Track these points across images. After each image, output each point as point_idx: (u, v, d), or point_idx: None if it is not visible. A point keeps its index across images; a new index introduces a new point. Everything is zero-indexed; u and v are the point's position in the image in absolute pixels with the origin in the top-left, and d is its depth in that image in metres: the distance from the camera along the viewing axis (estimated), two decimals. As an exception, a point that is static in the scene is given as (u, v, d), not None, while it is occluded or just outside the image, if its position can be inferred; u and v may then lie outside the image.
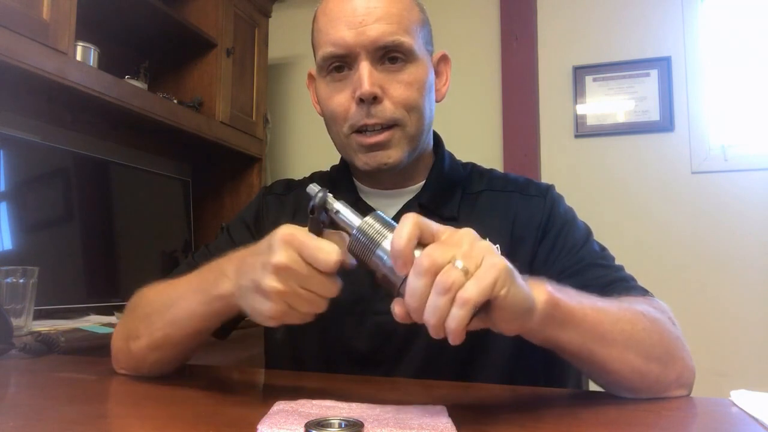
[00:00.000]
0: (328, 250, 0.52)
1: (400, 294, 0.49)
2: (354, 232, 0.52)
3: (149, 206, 2.23)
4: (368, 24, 0.76)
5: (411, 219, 0.49)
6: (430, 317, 0.46)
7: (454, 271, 0.46)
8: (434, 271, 0.47)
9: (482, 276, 0.46)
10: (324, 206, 0.54)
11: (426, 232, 0.49)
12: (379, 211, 0.53)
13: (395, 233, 0.49)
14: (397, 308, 0.50)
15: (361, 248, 0.51)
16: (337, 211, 0.54)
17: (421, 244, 0.49)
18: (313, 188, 0.55)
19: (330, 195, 0.55)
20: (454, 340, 0.47)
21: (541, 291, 0.54)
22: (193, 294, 0.66)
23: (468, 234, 0.50)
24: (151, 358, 0.72)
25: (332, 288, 0.53)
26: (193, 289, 0.67)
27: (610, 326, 0.61)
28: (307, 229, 0.54)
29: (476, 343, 0.72)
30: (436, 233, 0.50)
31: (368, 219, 0.52)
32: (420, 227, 0.49)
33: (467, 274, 0.46)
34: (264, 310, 0.54)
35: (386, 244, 0.50)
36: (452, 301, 0.46)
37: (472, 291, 0.46)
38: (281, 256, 0.52)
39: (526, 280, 0.55)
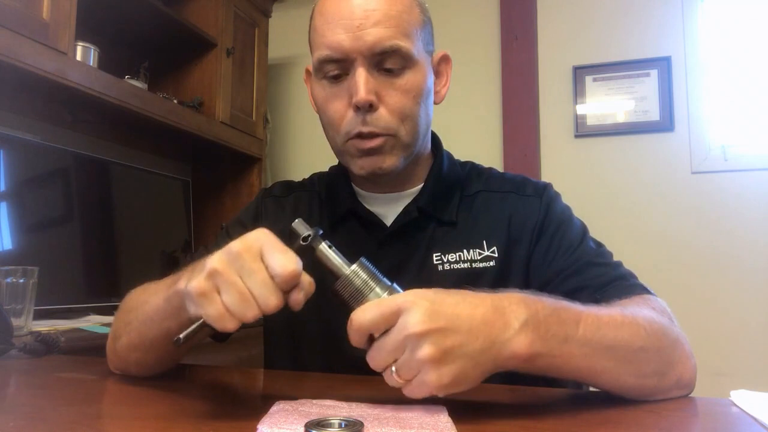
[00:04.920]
0: (291, 258, 0.50)
1: None
2: (341, 279, 0.54)
3: (149, 206, 2.22)
4: (366, 28, 0.74)
5: (356, 324, 0.51)
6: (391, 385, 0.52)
7: (392, 379, 0.51)
8: (379, 368, 0.51)
9: (415, 390, 0.50)
10: (312, 247, 0.56)
11: (375, 326, 0.51)
12: (363, 258, 0.55)
13: (349, 330, 0.51)
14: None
15: (347, 295, 0.54)
16: (326, 250, 0.56)
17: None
18: (301, 229, 0.57)
19: (320, 234, 0.57)
20: None
21: (519, 344, 0.52)
22: (161, 292, 0.65)
23: (411, 338, 0.49)
24: (132, 358, 0.71)
25: (271, 298, 0.49)
26: (162, 288, 0.66)
27: (602, 355, 0.57)
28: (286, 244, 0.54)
29: None
30: (386, 317, 0.50)
31: (355, 268, 0.54)
32: (366, 329, 0.51)
33: (404, 381, 0.50)
34: (192, 285, 0.51)
35: (372, 297, 0.53)
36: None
37: (413, 393, 0.51)
38: (238, 243, 0.51)
39: (511, 306, 0.53)
